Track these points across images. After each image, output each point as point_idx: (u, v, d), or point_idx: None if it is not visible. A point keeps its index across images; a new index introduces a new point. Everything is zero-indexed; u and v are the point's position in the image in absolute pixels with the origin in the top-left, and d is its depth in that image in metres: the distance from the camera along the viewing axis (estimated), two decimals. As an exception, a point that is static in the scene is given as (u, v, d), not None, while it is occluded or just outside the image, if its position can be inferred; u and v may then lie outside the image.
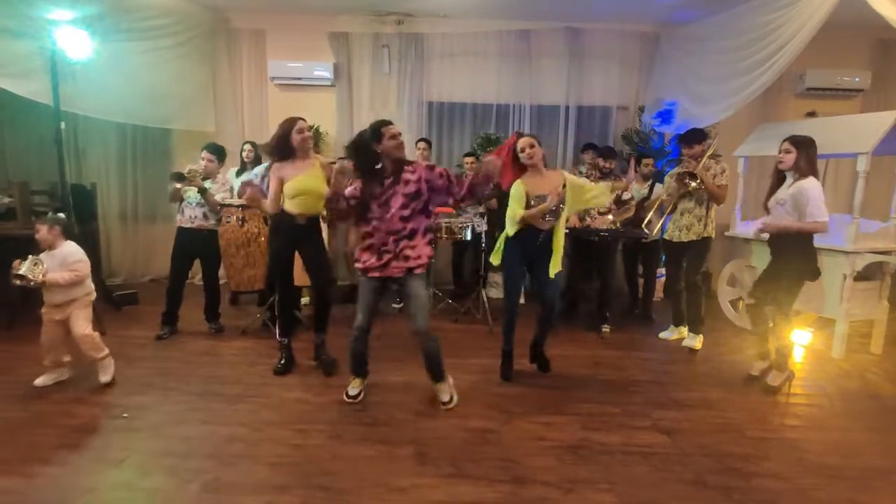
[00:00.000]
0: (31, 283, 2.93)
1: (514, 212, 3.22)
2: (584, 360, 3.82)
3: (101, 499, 2.16)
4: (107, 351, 3.22)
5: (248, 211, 4.02)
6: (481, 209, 4.84)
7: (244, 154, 5.06)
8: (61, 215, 3.28)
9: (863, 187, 3.90)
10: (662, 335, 4.39)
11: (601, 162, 4.60)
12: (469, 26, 5.80)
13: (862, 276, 3.95)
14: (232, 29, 5.90)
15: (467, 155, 5.36)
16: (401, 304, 5.06)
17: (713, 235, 4.01)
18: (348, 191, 2.87)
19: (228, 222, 4.01)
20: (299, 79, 5.87)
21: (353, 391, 3.05)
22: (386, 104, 5.97)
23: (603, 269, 4.51)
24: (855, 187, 3.96)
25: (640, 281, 5.22)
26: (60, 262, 3.06)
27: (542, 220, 3.20)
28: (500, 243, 3.37)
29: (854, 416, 3.06)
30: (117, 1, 4.61)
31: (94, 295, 3.25)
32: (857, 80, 5.75)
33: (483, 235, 4.67)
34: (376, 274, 2.87)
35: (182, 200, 4.02)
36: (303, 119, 3.33)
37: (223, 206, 4.09)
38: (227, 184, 4.18)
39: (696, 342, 4.09)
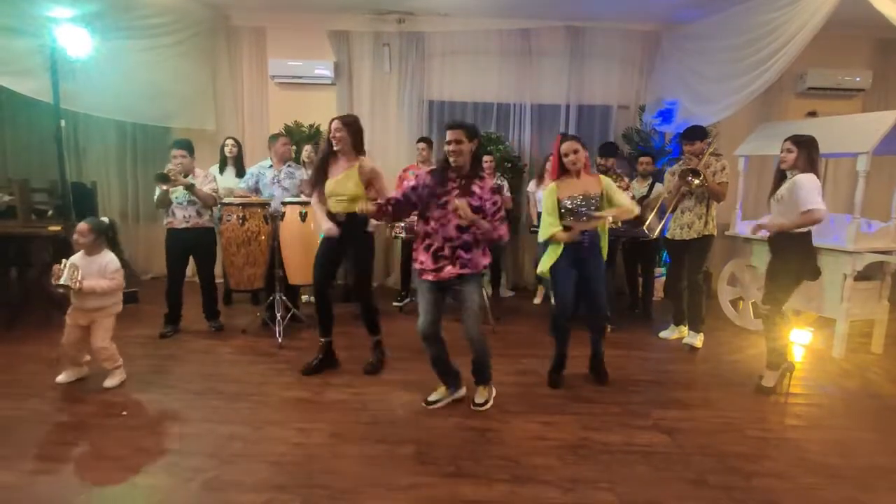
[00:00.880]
0: (71, 290, 2.95)
1: (547, 225, 3.16)
2: (584, 359, 3.79)
3: (100, 496, 2.16)
4: (121, 362, 3.23)
5: (249, 209, 4.02)
6: None
7: (226, 149, 4.98)
8: (105, 220, 3.24)
9: (863, 187, 3.90)
10: (663, 334, 4.39)
11: (598, 160, 4.58)
12: (470, 25, 5.79)
13: (862, 276, 3.95)
14: (232, 27, 5.90)
15: (484, 153, 5.30)
16: (402, 303, 5.06)
17: (714, 233, 4.01)
18: (411, 183, 2.86)
19: (229, 220, 4.01)
20: (300, 77, 5.86)
21: (432, 397, 3.02)
22: (386, 103, 5.97)
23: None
24: (855, 187, 3.96)
25: (641, 280, 5.23)
26: (99, 269, 3.06)
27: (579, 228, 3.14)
28: (549, 255, 3.24)
29: (855, 416, 3.05)
30: (118, -1, 4.61)
31: (121, 307, 3.26)
32: (857, 79, 5.75)
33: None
34: (430, 277, 2.82)
35: (170, 204, 3.97)
36: (337, 120, 3.30)
37: (224, 204, 4.08)
38: (210, 176, 4.14)
39: (697, 341, 4.09)
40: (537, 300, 5.55)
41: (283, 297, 4.09)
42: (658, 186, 4.68)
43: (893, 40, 5.65)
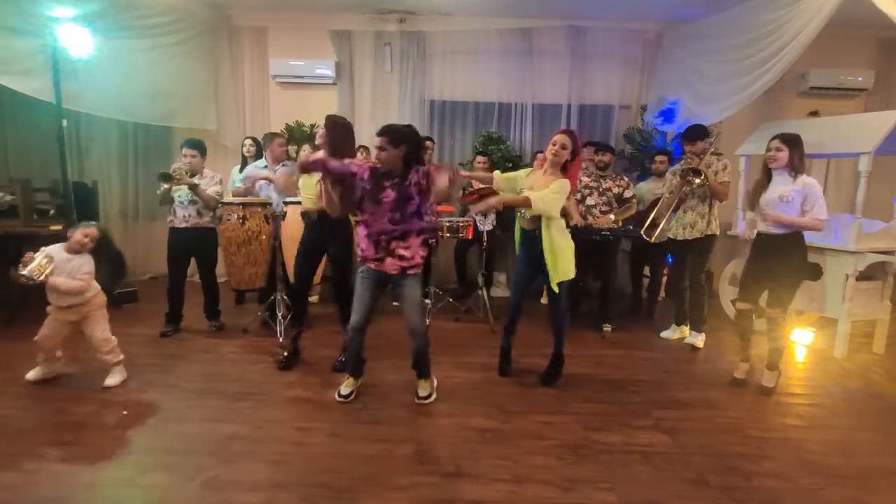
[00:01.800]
0: (33, 282, 2.91)
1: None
2: (585, 359, 3.81)
3: (100, 495, 2.16)
4: (122, 357, 3.22)
5: (249, 209, 4.02)
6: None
7: (245, 149, 5.03)
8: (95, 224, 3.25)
9: (865, 187, 3.89)
10: (664, 334, 4.39)
11: (595, 156, 4.56)
12: (471, 24, 5.79)
13: (864, 276, 3.94)
14: (234, 27, 5.90)
15: (480, 154, 5.31)
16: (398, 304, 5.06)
17: (717, 233, 4.01)
18: (353, 169, 2.86)
19: (229, 220, 4.01)
20: (301, 77, 5.86)
21: (344, 390, 3.05)
22: (388, 102, 5.97)
23: (604, 268, 4.49)
24: (857, 187, 3.95)
25: (646, 282, 5.23)
26: (72, 268, 3.02)
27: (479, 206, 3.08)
28: (569, 254, 3.20)
29: (856, 416, 3.05)
30: (119, -2, 4.62)
31: (104, 296, 3.23)
32: (860, 79, 5.73)
33: (485, 234, 4.66)
34: (373, 265, 2.88)
35: (172, 202, 3.99)
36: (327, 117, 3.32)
37: (224, 204, 4.08)
38: (216, 177, 4.15)
39: (699, 340, 4.09)
40: (544, 300, 5.53)
41: (285, 297, 4.09)
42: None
43: (895, 40, 5.63)
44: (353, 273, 3.53)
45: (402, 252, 2.85)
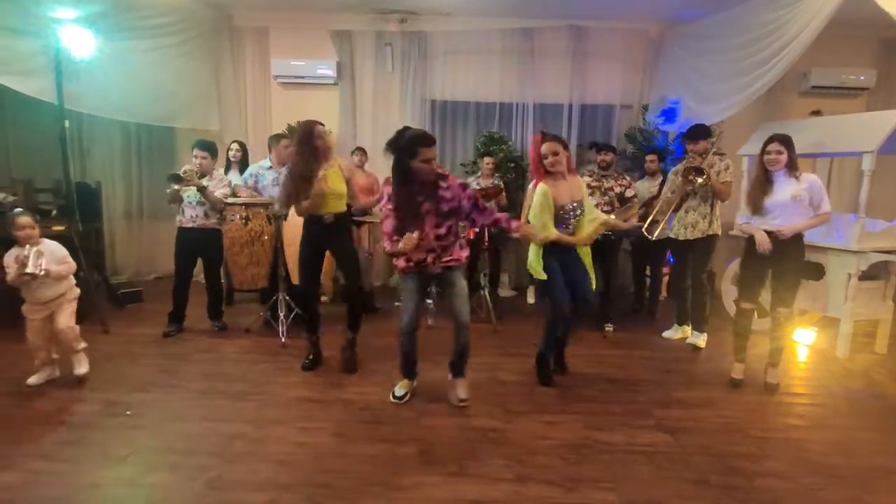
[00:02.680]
0: (35, 277, 2.94)
1: (544, 222, 3.08)
2: (586, 358, 3.81)
3: (103, 495, 2.17)
4: (84, 344, 3.25)
5: (252, 210, 4.03)
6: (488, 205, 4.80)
7: (231, 154, 5.02)
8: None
9: (868, 186, 3.89)
10: (665, 334, 4.39)
11: (598, 156, 4.56)
12: (472, 24, 5.79)
13: (867, 276, 3.93)
14: (235, 27, 5.91)
15: (485, 154, 5.30)
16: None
17: (719, 233, 4.01)
18: (382, 207, 2.83)
19: (233, 221, 4.02)
20: (302, 77, 5.87)
21: (399, 391, 3.06)
22: (389, 103, 5.97)
23: (606, 268, 4.49)
24: (859, 186, 3.94)
25: (647, 281, 5.23)
26: (50, 255, 3.05)
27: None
28: (534, 256, 3.19)
29: (858, 416, 3.04)
30: (121, -1, 4.62)
31: (77, 291, 3.26)
32: (861, 78, 5.72)
33: (486, 233, 4.66)
34: (413, 267, 2.86)
35: (181, 201, 4.02)
36: (321, 124, 3.37)
37: (228, 204, 4.09)
38: (225, 180, 4.17)
39: (701, 340, 4.09)
40: (531, 299, 5.54)
41: (287, 297, 4.10)
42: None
43: (897, 39, 5.63)
44: (359, 270, 3.56)
45: (445, 257, 2.85)
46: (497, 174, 5.32)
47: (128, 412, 2.85)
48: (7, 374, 3.31)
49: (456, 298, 2.89)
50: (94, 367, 3.33)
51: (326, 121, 5.80)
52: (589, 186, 4.45)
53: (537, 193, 3.12)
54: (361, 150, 5.24)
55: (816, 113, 5.72)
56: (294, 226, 3.94)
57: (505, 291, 5.82)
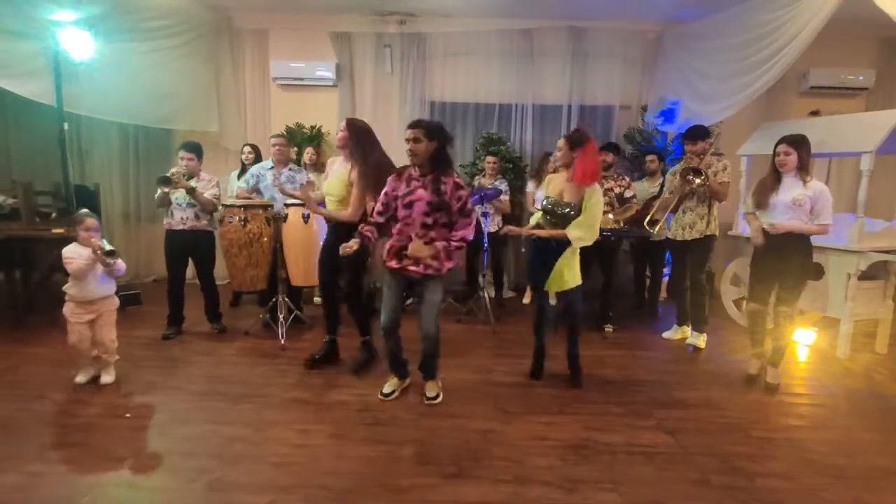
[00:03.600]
0: (113, 263, 3.05)
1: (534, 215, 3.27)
2: (586, 359, 3.78)
3: (103, 497, 2.16)
4: (118, 356, 3.30)
5: (251, 211, 4.02)
6: (488, 209, 4.79)
7: (244, 156, 5.05)
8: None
9: (867, 186, 3.89)
10: (666, 334, 4.39)
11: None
12: (471, 25, 5.79)
13: (866, 276, 3.93)
14: (235, 29, 5.91)
15: (490, 154, 5.30)
16: (409, 302, 5.05)
17: (717, 233, 4.00)
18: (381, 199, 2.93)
19: (231, 222, 4.01)
20: (301, 79, 5.87)
21: (386, 389, 3.10)
22: (388, 104, 5.97)
23: (605, 269, 4.50)
24: (859, 186, 3.94)
25: (647, 282, 5.23)
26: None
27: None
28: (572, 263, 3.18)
29: (859, 416, 3.04)
30: (120, 1, 4.61)
31: (118, 301, 3.31)
32: (860, 78, 5.72)
33: (486, 236, 4.66)
34: (394, 264, 2.89)
35: (170, 204, 4.01)
36: (347, 119, 3.42)
37: (225, 205, 4.09)
38: (214, 181, 4.15)
39: (700, 341, 4.08)
40: (526, 300, 5.53)
41: (286, 299, 4.10)
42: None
43: (896, 38, 5.63)
44: (363, 276, 3.56)
45: (429, 261, 2.85)
46: (500, 176, 5.29)
47: (127, 414, 2.85)
48: (8, 377, 3.30)
49: (423, 306, 2.93)
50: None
51: (326, 122, 5.90)
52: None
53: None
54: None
55: (815, 113, 5.73)
56: (294, 228, 3.95)
57: (505, 293, 5.81)
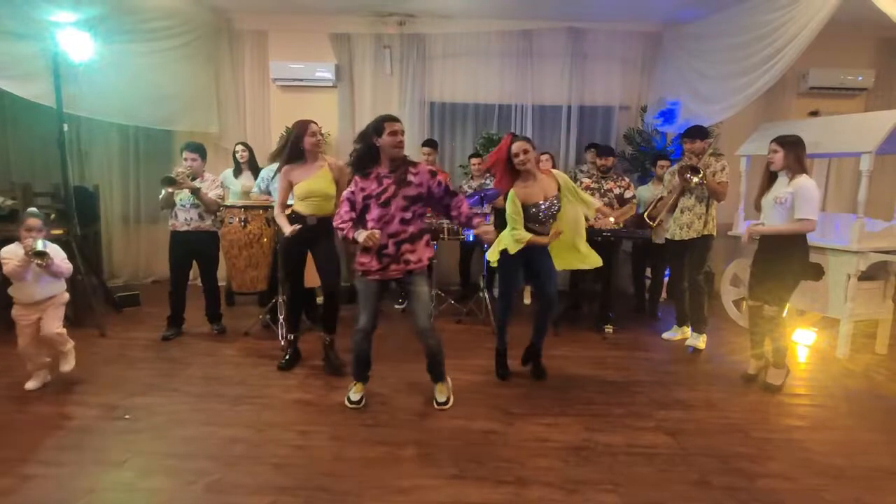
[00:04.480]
0: (45, 264, 2.93)
1: (516, 229, 3.11)
2: (586, 360, 3.81)
3: (101, 499, 2.16)
4: (72, 343, 3.24)
5: (251, 212, 4.02)
6: (486, 209, 4.80)
7: (237, 155, 5.03)
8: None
9: (867, 186, 3.88)
10: (665, 335, 4.38)
11: (598, 160, 4.58)
12: (471, 26, 5.80)
13: (866, 276, 3.93)
14: (234, 30, 5.91)
15: (473, 156, 5.35)
16: (403, 304, 5.04)
17: (714, 233, 4.00)
18: (345, 193, 2.89)
19: (231, 223, 4.01)
20: (301, 80, 5.87)
21: (354, 396, 3.01)
22: (388, 105, 5.96)
23: (605, 270, 4.48)
24: (858, 187, 3.94)
25: (647, 283, 5.22)
26: (53, 252, 3.04)
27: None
28: (496, 245, 3.23)
29: (859, 416, 3.04)
30: (120, 3, 4.61)
31: (67, 295, 3.25)
32: (860, 78, 5.72)
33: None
34: (376, 277, 2.85)
35: (174, 206, 4.01)
36: (314, 122, 3.36)
37: (225, 206, 4.09)
38: (217, 181, 4.16)
39: (700, 342, 4.08)
40: (526, 300, 5.52)
41: (286, 300, 4.09)
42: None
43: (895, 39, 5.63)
44: (339, 272, 3.54)
45: (409, 257, 2.83)
46: (489, 174, 5.29)
47: (126, 416, 2.84)
48: (4, 378, 3.29)
49: (415, 303, 2.88)
50: (92, 370, 3.34)
51: (325, 123, 5.83)
52: (588, 188, 4.46)
53: (508, 201, 3.14)
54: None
55: (814, 113, 5.74)
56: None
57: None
